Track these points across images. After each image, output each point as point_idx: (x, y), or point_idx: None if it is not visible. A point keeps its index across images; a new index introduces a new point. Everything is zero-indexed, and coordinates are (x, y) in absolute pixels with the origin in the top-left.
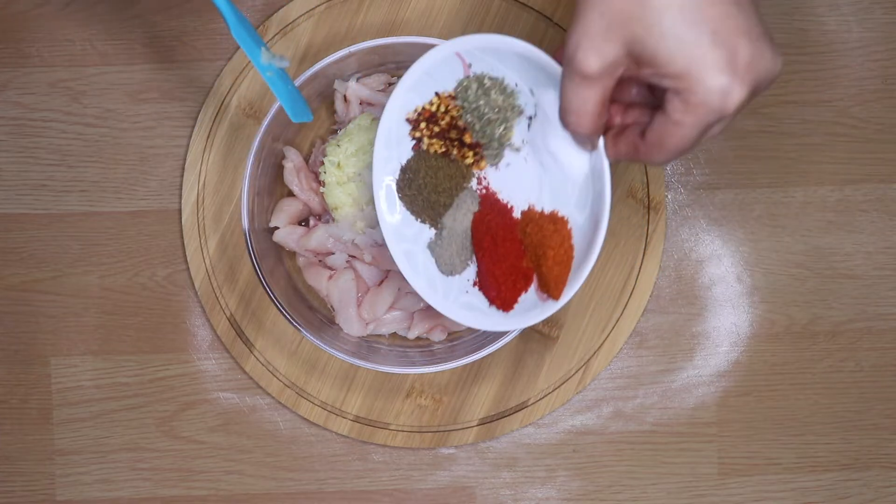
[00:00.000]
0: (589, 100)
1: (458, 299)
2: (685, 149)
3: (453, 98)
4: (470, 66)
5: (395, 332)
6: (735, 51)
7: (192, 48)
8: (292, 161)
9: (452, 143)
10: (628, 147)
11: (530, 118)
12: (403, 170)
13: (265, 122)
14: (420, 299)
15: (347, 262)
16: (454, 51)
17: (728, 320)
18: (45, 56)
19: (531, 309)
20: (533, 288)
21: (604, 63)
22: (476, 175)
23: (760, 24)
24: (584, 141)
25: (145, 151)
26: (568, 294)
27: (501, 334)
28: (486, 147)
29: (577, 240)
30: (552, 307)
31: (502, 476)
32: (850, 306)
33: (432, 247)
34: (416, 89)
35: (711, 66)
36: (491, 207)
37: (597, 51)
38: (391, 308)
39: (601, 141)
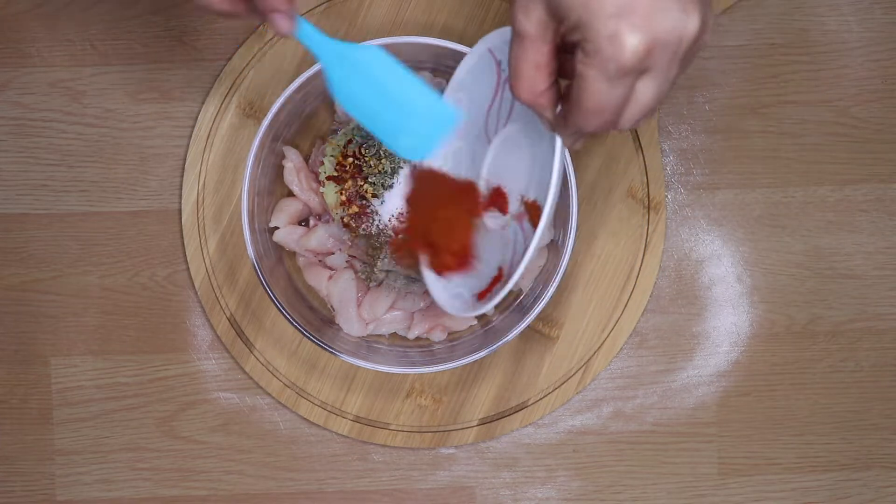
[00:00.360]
0: (522, 60)
1: (451, 289)
2: (601, 108)
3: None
4: (500, 62)
5: (395, 332)
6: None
7: (192, 48)
8: (292, 161)
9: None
10: (563, 117)
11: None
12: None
13: (265, 122)
14: (420, 299)
15: (347, 262)
16: (486, 48)
17: (728, 320)
18: (45, 56)
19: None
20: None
21: (531, 22)
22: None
23: None
24: (540, 118)
25: (145, 151)
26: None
27: (502, 335)
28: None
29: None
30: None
31: (502, 476)
32: (850, 306)
33: None
34: (462, 89)
35: (603, 12)
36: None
37: (524, 9)
38: (391, 308)
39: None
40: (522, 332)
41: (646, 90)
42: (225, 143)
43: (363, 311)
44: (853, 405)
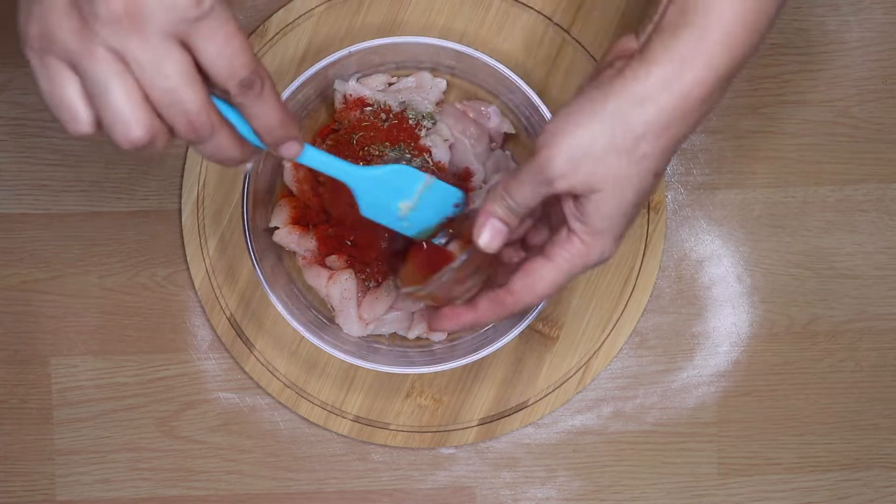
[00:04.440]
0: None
1: None
2: (550, 294)
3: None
4: None
5: (395, 332)
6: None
7: None
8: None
9: None
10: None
11: None
12: None
13: None
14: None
15: (347, 261)
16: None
17: (728, 320)
18: None
19: None
20: None
21: (564, 185)
22: None
23: None
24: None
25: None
26: None
27: (502, 335)
28: None
29: None
30: None
31: (502, 476)
32: (850, 306)
33: None
34: None
35: (610, 237)
36: None
37: (562, 173)
38: (391, 308)
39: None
40: (522, 332)
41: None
42: None
43: (363, 311)
44: (853, 405)
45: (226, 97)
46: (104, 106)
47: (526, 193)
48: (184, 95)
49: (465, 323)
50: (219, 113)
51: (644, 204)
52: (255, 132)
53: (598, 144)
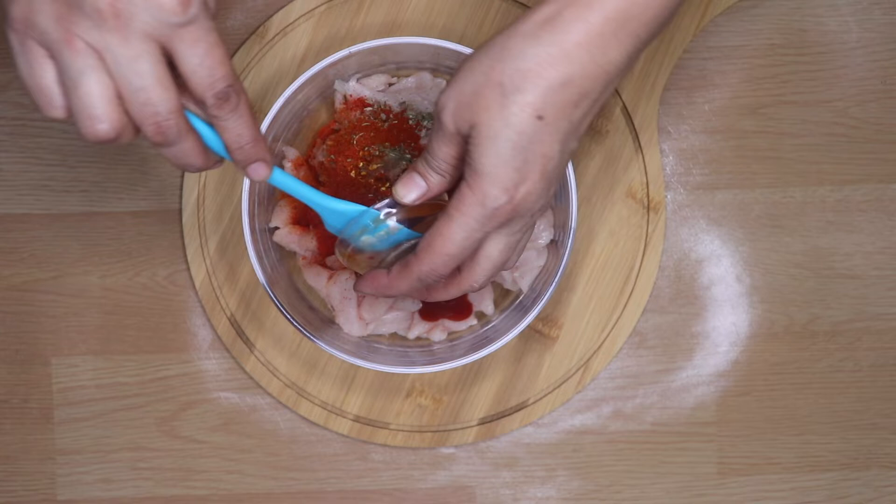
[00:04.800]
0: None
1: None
2: (451, 253)
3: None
4: None
5: (395, 332)
6: (524, 180)
7: None
8: (292, 161)
9: None
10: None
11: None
12: None
13: (265, 122)
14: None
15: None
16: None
17: (728, 320)
18: None
19: None
20: None
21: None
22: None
23: (565, 162)
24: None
25: (146, 151)
26: None
27: (502, 335)
28: None
29: None
30: None
31: (502, 476)
32: (849, 306)
33: None
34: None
35: (495, 183)
36: None
37: (444, 104)
38: (391, 308)
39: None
40: (522, 332)
41: (491, 249)
42: None
43: (363, 311)
44: (852, 405)
45: (201, 109)
46: (75, 98)
47: (433, 142)
48: (155, 96)
49: (380, 286)
50: (188, 120)
51: (540, 160)
52: (227, 146)
53: (477, 76)
